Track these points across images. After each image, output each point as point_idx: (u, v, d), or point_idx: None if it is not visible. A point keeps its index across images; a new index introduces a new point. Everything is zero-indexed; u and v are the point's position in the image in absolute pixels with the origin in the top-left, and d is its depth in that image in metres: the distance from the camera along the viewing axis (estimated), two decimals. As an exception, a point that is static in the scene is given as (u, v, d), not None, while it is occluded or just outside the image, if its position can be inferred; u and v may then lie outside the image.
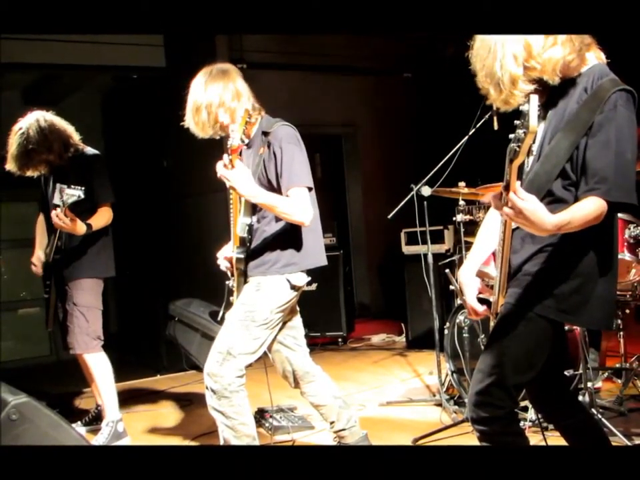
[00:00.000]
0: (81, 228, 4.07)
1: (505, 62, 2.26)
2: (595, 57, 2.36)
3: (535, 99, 1.94)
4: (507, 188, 2.05)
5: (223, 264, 3.53)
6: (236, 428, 3.25)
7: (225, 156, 3.10)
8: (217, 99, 3.31)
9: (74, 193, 3.89)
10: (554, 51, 2.26)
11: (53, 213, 3.96)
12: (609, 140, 2.20)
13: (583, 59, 2.32)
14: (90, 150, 4.42)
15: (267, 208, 3.24)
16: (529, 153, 1.99)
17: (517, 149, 1.98)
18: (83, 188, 3.93)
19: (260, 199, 3.17)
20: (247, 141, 3.20)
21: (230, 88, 3.34)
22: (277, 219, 3.33)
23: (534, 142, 1.96)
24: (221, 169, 3.11)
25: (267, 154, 3.31)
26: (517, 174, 2.05)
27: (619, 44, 2.51)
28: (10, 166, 4.25)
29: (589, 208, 2.17)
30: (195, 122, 3.36)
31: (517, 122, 1.98)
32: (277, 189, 3.28)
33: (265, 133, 3.35)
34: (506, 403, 2.33)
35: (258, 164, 3.32)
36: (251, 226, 3.35)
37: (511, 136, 2.01)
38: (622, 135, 2.20)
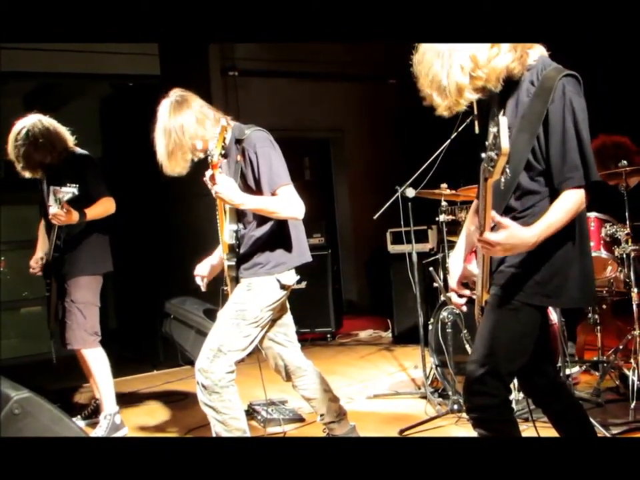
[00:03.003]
0: (75, 216, 4.08)
1: (452, 71, 2.33)
2: (538, 53, 2.43)
3: (504, 120, 1.97)
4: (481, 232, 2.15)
5: (199, 280, 3.61)
6: (227, 422, 3.28)
7: (208, 172, 3.11)
8: (186, 136, 3.29)
9: (68, 191, 3.94)
10: (498, 61, 2.33)
11: (50, 212, 4.01)
12: (568, 128, 2.28)
13: (524, 64, 2.39)
14: (79, 151, 4.43)
15: (259, 211, 3.25)
16: (504, 172, 2.04)
17: (491, 169, 2.02)
18: (77, 185, 3.96)
19: (250, 204, 3.19)
20: (223, 152, 3.17)
21: (193, 117, 3.30)
22: (263, 223, 3.36)
23: (508, 162, 2.02)
24: (209, 184, 3.12)
25: (244, 161, 3.31)
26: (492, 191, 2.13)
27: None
28: (18, 166, 4.27)
29: (568, 203, 2.26)
30: (173, 165, 3.33)
31: (487, 142, 2.03)
32: (256, 194, 3.28)
33: (239, 141, 3.34)
34: (500, 392, 2.40)
35: (236, 172, 3.34)
36: (237, 232, 3.38)
37: (483, 156, 2.07)
38: (578, 120, 2.29)
